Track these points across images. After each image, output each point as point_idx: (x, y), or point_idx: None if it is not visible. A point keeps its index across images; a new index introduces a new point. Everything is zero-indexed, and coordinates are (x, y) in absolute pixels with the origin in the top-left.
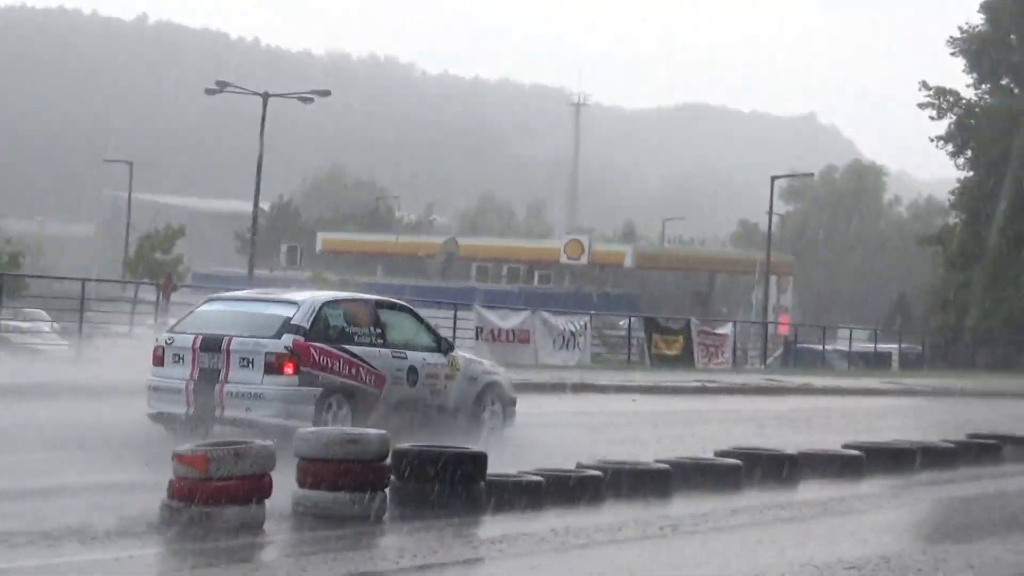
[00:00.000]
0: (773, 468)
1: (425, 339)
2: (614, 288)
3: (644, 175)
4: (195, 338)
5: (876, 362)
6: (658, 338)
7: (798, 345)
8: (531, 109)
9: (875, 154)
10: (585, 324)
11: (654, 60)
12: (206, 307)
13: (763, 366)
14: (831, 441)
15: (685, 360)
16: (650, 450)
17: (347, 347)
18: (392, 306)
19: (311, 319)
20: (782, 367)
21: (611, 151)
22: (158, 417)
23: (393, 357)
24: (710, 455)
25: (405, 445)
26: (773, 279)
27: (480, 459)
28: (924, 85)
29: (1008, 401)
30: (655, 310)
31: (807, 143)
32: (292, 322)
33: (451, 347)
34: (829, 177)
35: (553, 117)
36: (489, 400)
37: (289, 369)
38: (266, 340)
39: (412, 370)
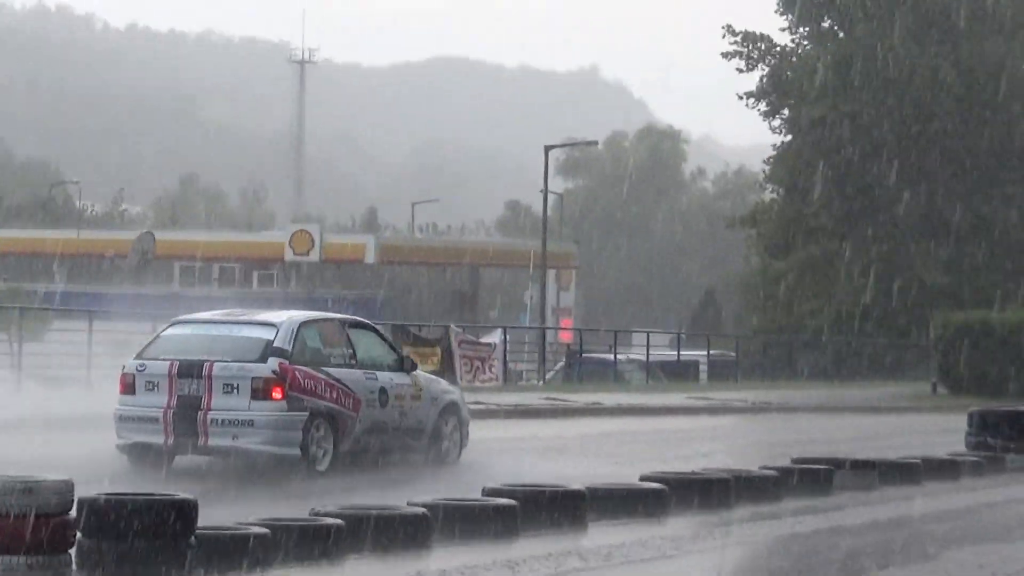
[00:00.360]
0: (557, 508)
1: (389, 358)
2: (352, 290)
3: (387, 149)
4: (171, 364)
5: (681, 373)
6: (410, 350)
7: (584, 355)
8: (243, 69)
9: (672, 117)
10: None
11: (397, 5)
12: (175, 331)
13: (541, 382)
14: (627, 473)
15: (444, 377)
16: (404, 493)
17: (326, 369)
18: (357, 324)
19: (292, 341)
20: (565, 382)
21: (346, 120)
22: (131, 448)
23: (366, 379)
24: (476, 495)
25: (92, 494)
26: (551, 274)
27: (186, 508)
28: (729, 30)
29: (839, 416)
30: (405, 316)
31: (589, 104)
32: (275, 345)
33: (414, 366)
34: (617, 146)
35: (271, 79)
36: (447, 421)
37: (278, 394)
38: (251, 364)
39: (383, 391)
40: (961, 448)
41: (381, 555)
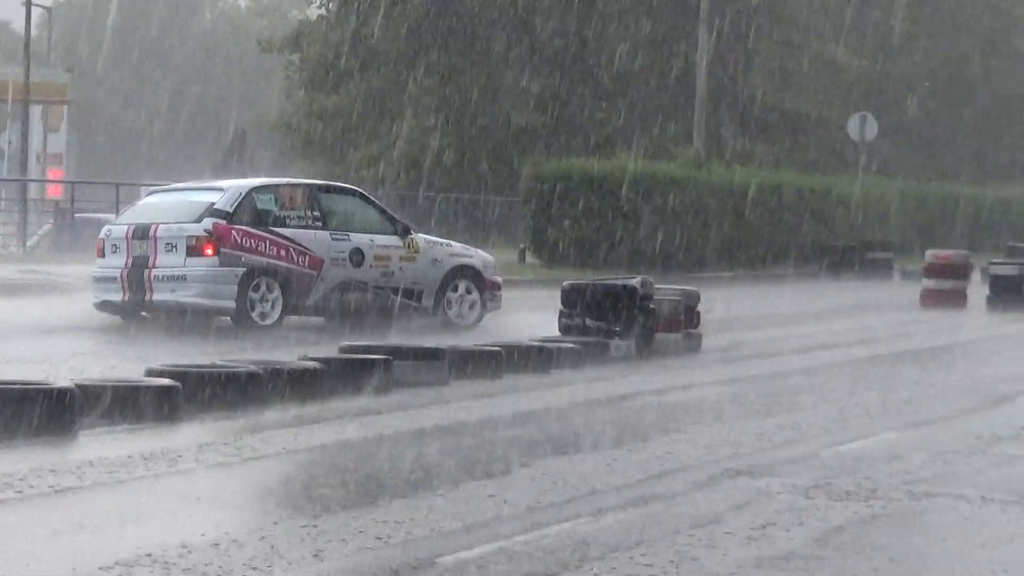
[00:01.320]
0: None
1: (376, 222)
2: None
3: None
4: (128, 227)
5: None
6: None
7: (77, 215)
8: None
9: None
10: None
11: None
12: (144, 200)
13: (23, 248)
14: (130, 368)
15: None
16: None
17: (276, 229)
18: (339, 190)
19: (235, 203)
20: (55, 249)
21: None
22: (102, 306)
23: (333, 239)
24: None
25: None
26: (36, 111)
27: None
28: None
29: None
30: None
31: None
32: (215, 207)
33: (407, 230)
34: None
35: None
36: (457, 285)
37: (209, 251)
38: (188, 224)
39: (357, 251)
40: (555, 331)
41: None
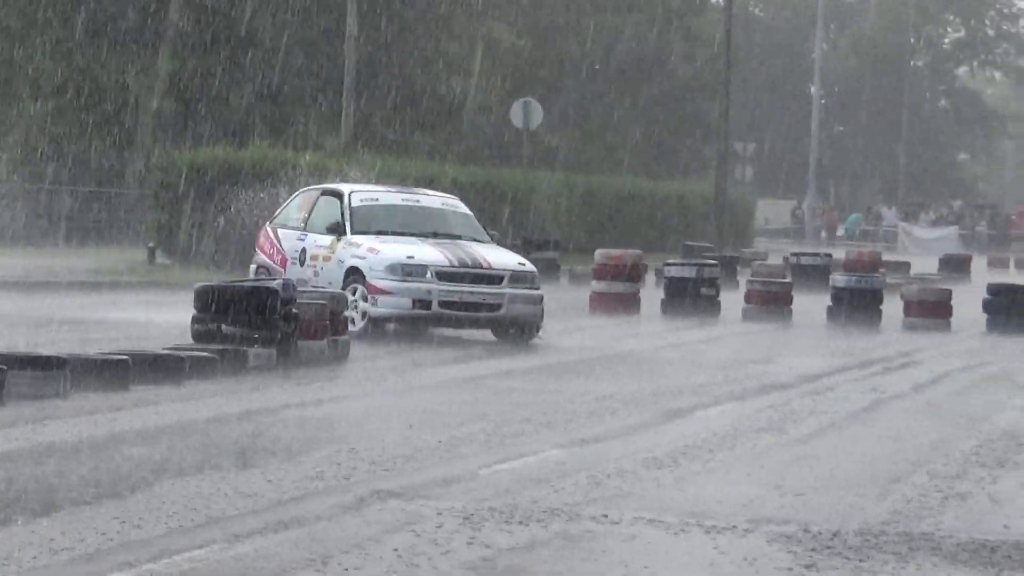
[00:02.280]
0: None
1: (335, 222)
2: None
3: None
4: None
5: None
6: None
7: None
8: None
9: None
10: None
11: None
12: None
13: None
14: None
15: None
16: None
17: (281, 231)
18: (329, 192)
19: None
20: None
21: None
22: None
23: (296, 239)
24: None
25: None
26: None
27: None
28: None
29: (27, 295)
30: None
31: None
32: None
33: (338, 230)
34: None
35: None
36: (352, 287)
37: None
38: None
39: (303, 251)
40: (188, 339)
41: None
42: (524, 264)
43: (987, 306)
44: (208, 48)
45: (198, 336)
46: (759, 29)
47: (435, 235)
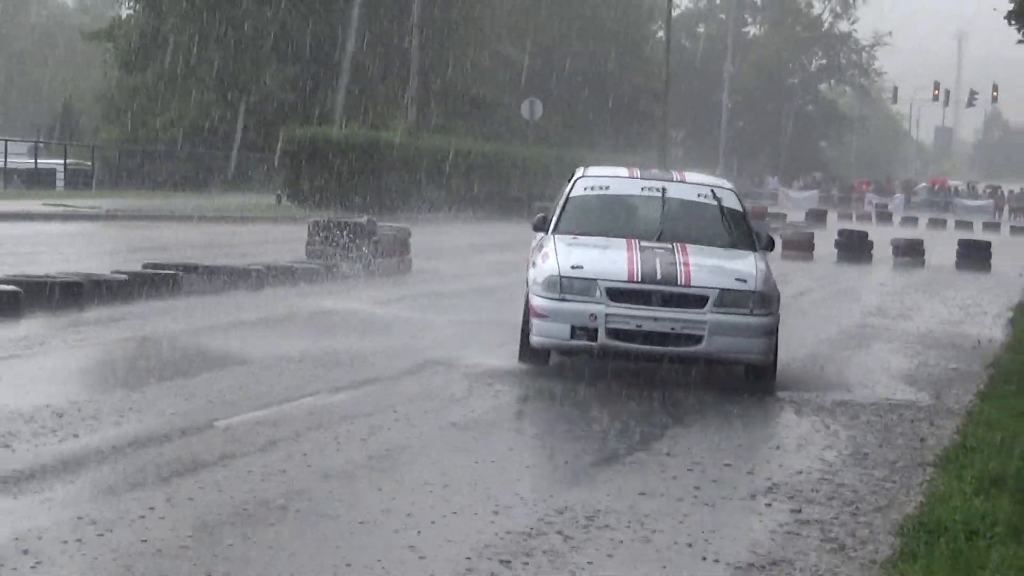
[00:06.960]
0: None
1: None
2: None
3: None
4: None
5: (39, 180)
6: None
7: None
8: None
9: None
10: None
11: None
12: None
13: None
14: None
15: None
16: None
17: None
18: None
19: None
20: None
21: None
22: None
23: None
24: None
25: None
26: None
27: None
28: None
29: (193, 225)
30: None
31: None
32: None
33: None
34: None
35: None
36: None
37: None
38: None
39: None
40: (303, 256)
41: None
42: (746, 280)
43: (837, 245)
44: (315, 58)
45: (310, 255)
46: (687, 54)
47: (659, 237)
